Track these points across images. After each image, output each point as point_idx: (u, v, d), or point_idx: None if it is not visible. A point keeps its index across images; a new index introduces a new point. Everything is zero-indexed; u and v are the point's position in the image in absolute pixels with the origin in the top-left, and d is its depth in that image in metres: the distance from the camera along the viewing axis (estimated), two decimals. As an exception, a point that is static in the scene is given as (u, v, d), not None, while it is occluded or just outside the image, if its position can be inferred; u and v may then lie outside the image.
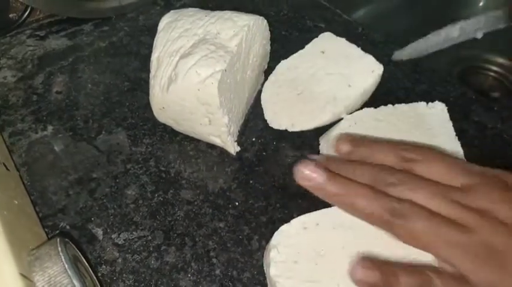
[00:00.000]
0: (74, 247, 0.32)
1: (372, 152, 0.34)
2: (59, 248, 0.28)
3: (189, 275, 0.38)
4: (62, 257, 0.27)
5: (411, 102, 0.52)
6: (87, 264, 0.32)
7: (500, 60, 0.77)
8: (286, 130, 0.48)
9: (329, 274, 0.34)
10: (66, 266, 0.27)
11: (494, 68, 0.77)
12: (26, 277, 0.26)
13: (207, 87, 0.42)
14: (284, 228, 0.37)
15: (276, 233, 0.37)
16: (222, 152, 0.47)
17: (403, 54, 0.46)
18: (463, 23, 0.41)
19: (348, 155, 0.35)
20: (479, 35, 0.40)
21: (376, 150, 0.34)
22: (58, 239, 0.29)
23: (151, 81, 0.46)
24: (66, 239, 0.31)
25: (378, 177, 0.32)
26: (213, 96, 0.42)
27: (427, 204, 0.31)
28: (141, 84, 0.54)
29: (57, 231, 0.40)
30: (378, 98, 0.52)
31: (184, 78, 0.42)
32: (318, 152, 0.47)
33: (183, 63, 0.43)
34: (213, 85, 0.41)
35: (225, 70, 0.42)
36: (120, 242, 0.40)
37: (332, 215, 0.37)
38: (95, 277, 0.32)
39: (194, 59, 0.43)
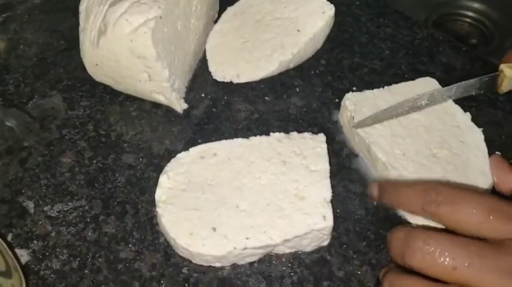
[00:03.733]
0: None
1: (397, 200, 0.34)
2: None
3: (130, 246, 0.35)
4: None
5: (374, 47, 0.48)
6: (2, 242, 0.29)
7: (476, 5, 0.73)
8: (237, 84, 0.44)
9: (212, 204, 0.34)
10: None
11: (471, 14, 0.73)
12: None
13: (140, 37, 0.37)
14: (181, 155, 0.37)
15: (172, 160, 0.37)
16: (168, 111, 0.43)
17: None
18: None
19: (378, 200, 0.36)
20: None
21: (400, 196, 0.33)
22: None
23: (81, 36, 0.41)
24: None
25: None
26: (147, 47, 0.37)
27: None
28: (78, 42, 0.48)
29: (-17, 207, 0.36)
30: (338, 43, 0.48)
31: (114, 28, 0.38)
32: (271, 105, 0.43)
33: (112, 11, 0.38)
34: (146, 34, 0.37)
35: (160, 17, 0.38)
36: (53, 215, 0.36)
37: (231, 146, 0.37)
38: (11, 254, 0.29)
39: (124, 6, 0.38)
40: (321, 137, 0.38)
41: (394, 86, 0.42)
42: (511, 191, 0.35)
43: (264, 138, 0.38)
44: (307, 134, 0.38)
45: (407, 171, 0.36)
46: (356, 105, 0.39)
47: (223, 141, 0.38)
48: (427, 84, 0.42)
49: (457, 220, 0.30)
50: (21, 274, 0.28)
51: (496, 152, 0.38)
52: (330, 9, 0.44)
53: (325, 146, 0.37)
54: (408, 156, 0.37)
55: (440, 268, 0.28)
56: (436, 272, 0.28)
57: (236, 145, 0.37)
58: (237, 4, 0.47)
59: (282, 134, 0.38)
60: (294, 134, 0.38)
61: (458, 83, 0.39)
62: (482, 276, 0.27)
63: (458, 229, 0.30)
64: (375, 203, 0.37)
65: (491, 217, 0.29)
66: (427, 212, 0.31)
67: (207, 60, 0.46)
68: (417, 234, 0.29)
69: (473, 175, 0.36)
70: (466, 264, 0.27)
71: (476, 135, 0.39)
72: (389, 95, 0.41)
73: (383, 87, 0.41)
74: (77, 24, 0.50)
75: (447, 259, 0.28)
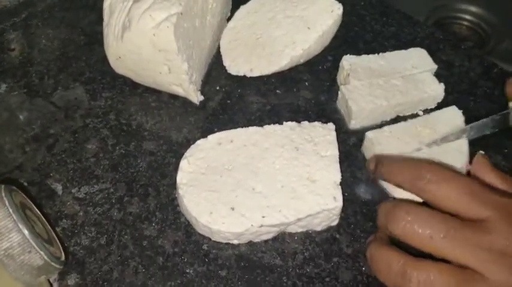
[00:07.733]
0: (23, 195, 0.30)
1: (389, 173, 0.35)
2: (3, 194, 0.27)
3: (154, 224, 0.37)
4: (6, 201, 0.26)
5: (379, 45, 0.51)
6: (39, 213, 0.31)
7: (473, 9, 0.76)
8: (250, 77, 0.47)
9: (230, 186, 0.37)
10: (11, 210, 0.26)
11: (468, 17, 0.76)
12: (-33, 224, 0.25)
13: (163, 32, 0.40)
14: (200, 142, 0.40)
15: (191, 146, 0.39)
16: (185, 102, 0.46)
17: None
18: None
19: (374, 173, 0.38)
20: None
21: (393, 170, 0.35)
22: (2, 186, 0.28)
23: (105, 31, 0.43)
24: (13, 187, 0.29)
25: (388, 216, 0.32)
26: (169, 41, 0.40)
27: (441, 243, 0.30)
28: (98, 38, 0.50)
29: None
30: (344, 41, 0.51)
31: (138, 23, 0.40)
32: (282, 97, 0.46)
33: (136, 7, 0.41)
34: (168, 29, 0.39)
35: (181, 13, 0.40)
36: (80, 196, 0.39)
37: (247, 134, 0.40)
38: (49, 227, 0.31)
39: (148, 2, 0.40)
40: (331, 125, 0.40)
41: (387, 53, 0.46)
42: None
43: (277, 126, 0.40)
44: (317, 123, 0.41)
45: (391, 146, 0.39)
46: (352, 65, 0.44)
47: (239, 129, 0.40)
48: (416, 54, 0.46)
49: (439, 196, 0.32)
50: (59, 244, 0.31)
51: (480, 151, 0.39)
52: (338, 8, 0.46)
53: (334, 133, 0.40)
54: (394, 134, 0.40)
55: (418, 237, 0.30)
56: (414, 241, 0.31)
57: (251, 132, 0.40)
58: (249, 3, 0.50)
59: (294, 123, 0.40)
60: (306, 123, 0.41)
61: (472, 124, 0.40)
62: (455, 248, 0.29)
63: (440, 206, 0.32)
64: (379, 188, 0.40)
65: (468, 198, 0.31)
66: (414, 187, 0.33)
67: (220, 55, 0.49)
68: (401, 205, 0.32)
69: (451, 152, 0.39)
70: (441, 235, 0.30)
71: (459, 122, 0.42)
72: (382, 60, 0.46)
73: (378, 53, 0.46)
74: (96, 20, 0.53)
75: (424, 229, 0.30)
